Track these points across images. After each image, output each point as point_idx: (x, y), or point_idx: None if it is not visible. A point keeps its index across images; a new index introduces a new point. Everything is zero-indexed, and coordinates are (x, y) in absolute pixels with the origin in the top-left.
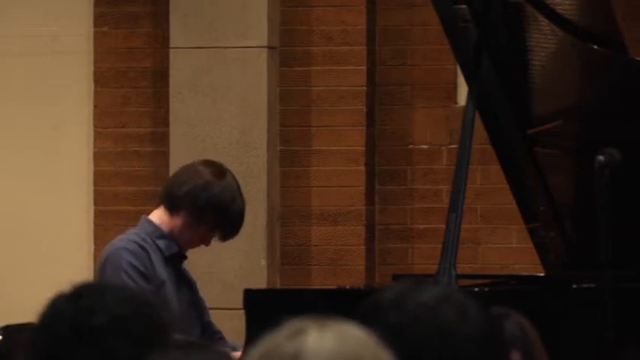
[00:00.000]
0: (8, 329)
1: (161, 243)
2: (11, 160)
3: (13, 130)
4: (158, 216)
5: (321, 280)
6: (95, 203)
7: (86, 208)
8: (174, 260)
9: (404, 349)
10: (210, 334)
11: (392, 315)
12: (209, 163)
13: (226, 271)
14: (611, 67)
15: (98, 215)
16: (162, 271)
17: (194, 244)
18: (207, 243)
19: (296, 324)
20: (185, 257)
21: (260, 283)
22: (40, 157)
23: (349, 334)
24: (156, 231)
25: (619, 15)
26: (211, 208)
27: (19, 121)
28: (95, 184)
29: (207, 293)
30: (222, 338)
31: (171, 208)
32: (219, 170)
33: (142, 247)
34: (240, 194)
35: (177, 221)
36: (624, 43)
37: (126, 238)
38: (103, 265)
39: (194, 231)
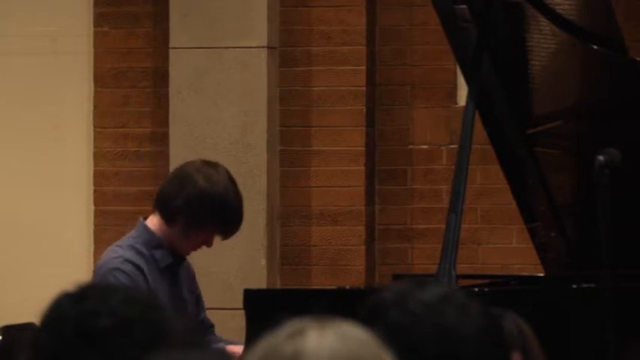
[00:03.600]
0: (8, 329)
1: (157, 254)
2: (11, 160)
3: (13, 130)
4: (155, 223)
5: (321, 280)
6: (95, 203)
7: (86, 208)
8: (170, 268)
9: (404, 349)
10: (203, 330)
11: (392, 315)
12: (202, 165)
13: (226, 271)
14: (611, 67)
15: (98, 215)
16: (157, 285)
17: (195, 249)
18: (209, 245)
19: (296, 324)
20: (184, 259)
21: (260, 283)
22: (40, 157)
23: (349, 334)
24: (153, 240)
25: (619, 15)
26: (209, 215)
27: (19, 121)
28: (95, 184)
29: (207, 293)
30: (212, 333)
31: (168, 219)
32: (211, 171)
33: (137, 265)
34: (235, 190)
35: (175, 230)
36: (624, 43)
37: (121, 255)
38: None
39: (194, 238)
